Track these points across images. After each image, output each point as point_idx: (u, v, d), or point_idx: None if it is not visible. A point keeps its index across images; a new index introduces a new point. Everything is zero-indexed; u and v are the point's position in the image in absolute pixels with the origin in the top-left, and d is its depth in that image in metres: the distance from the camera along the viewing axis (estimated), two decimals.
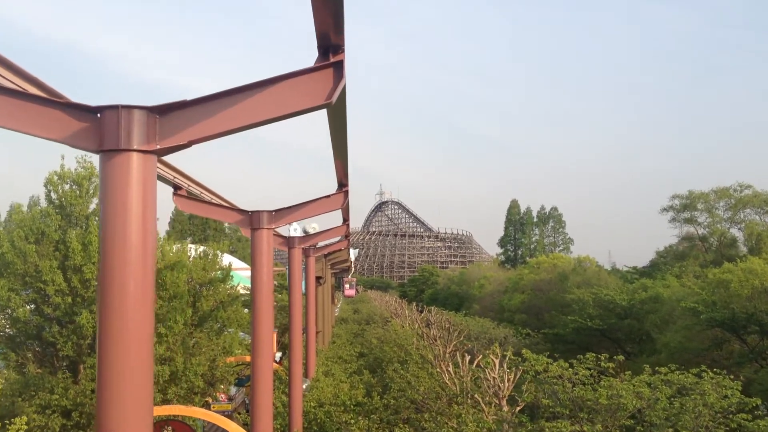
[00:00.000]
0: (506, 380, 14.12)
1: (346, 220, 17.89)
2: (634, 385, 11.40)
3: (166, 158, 10.56)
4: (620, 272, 57.98)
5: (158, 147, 4.37)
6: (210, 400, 25.16)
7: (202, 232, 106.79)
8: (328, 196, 11.29)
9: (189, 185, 11.27)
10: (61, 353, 17.79)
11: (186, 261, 24.70)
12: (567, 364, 11.78)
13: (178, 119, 4.44)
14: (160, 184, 11.52)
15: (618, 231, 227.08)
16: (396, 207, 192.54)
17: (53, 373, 17.61)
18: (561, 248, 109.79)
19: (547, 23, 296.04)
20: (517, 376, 14.07)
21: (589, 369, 12.04)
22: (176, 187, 10.84)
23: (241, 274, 31.96)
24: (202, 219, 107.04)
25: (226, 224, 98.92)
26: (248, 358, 17.93)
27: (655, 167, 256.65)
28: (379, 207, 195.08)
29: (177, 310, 18.87)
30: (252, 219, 10.74)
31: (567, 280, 46.56)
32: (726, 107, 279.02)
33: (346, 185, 11.16)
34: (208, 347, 22.02)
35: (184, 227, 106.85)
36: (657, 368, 12.47)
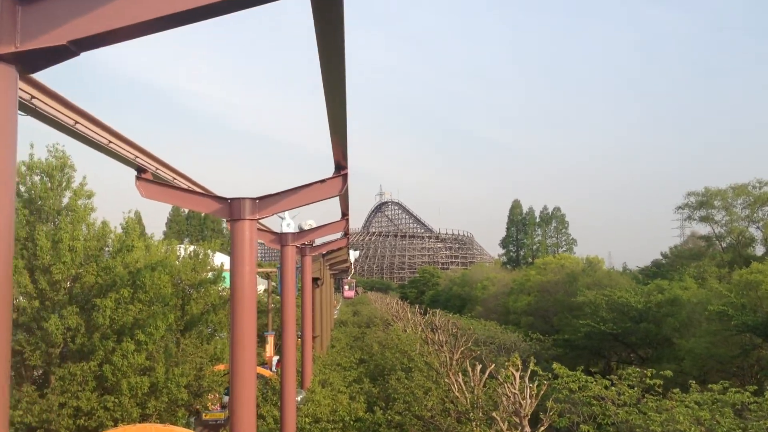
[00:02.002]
0: (528, 396, 12.21)
1: (345, 214, 16.04)
2: (688, 407, 9.55)
3: (128, 135, 8.70)
4: (632, 273, 55.96)
5: (18, 49, 2.54)
6: (200, 409, 23.45)
7: (199, 232, 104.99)
8: (323, 181, 9.40)
9: (157, 168, 9.43)
10: (29, 363, 16.06)
11: (173, 261, 23.03)
12: (608, 382, 9.92)
13: (53, 6, 2.61)
14: (125, 170, 9.68)
15: (619, 232, 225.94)
16: (396, 208, 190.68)
17: (18, 386, 15.81)
18: (564, 249, 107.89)
19: (547, 26, 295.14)
20: (542, 392, 12.16)
21: (632, 386, 10.19)
22: (140, 170, 8.99)
23: None
24: (199, 219, 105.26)
25: (224, 224, 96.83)
26: None
27: (655, 169, 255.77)
28: (379, 208, 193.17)
29: (158, 315, 17.07)
30: (232, 208, 8.85)
31: (576, 281, 44.66)
32: (726, 108, 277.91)
33: (345, 168, 9.30)
34: (195, 354, 20.29)
35: (181, 228, 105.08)
36: (709, 385, 10.64)
